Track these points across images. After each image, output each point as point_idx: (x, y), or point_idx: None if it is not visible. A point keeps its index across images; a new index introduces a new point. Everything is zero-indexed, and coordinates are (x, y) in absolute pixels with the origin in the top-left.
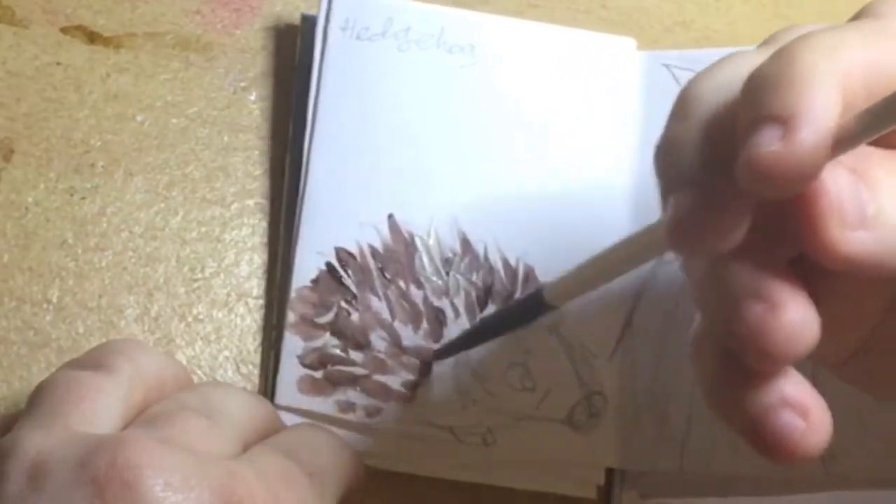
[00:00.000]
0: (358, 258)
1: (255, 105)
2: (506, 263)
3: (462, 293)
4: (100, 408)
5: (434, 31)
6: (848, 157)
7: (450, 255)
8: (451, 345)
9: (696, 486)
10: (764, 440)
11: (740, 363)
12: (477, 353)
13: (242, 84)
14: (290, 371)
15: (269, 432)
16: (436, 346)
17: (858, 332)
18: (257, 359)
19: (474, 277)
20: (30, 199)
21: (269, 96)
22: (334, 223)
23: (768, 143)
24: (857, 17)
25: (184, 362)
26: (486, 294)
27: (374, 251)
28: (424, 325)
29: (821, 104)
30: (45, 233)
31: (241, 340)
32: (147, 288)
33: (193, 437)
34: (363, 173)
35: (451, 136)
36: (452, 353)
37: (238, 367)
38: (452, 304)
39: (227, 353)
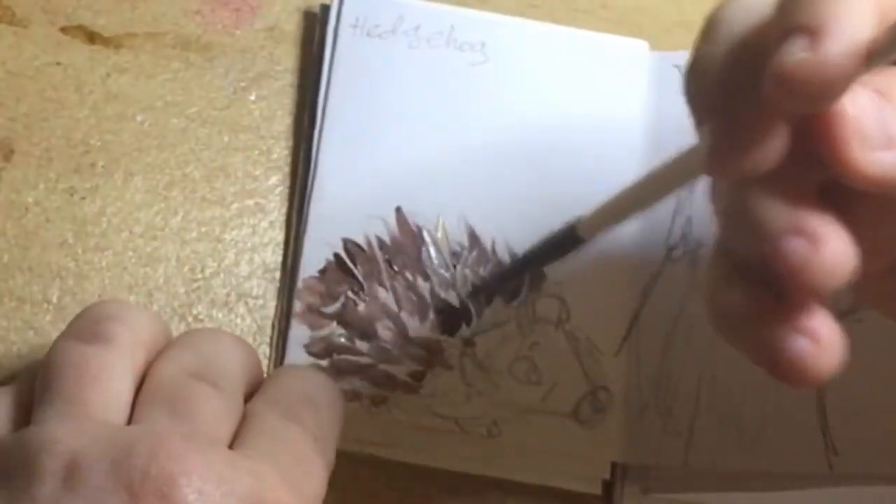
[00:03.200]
0: (366, 249)
1: (255, 105)
2: (513, 257)
3: (469, 286)
4: (113, 387)
5: (444, 29)
6: (874, 78)
7: (457, 248)
8: (486, 281)
9: (700, 482)
10: (777, 366)
11: (757, 289)
12: (483, 345)
13: (242, 84)
14: (297, 359)
15: (257, 374)
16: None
17: (889, 253)
18: None
19: (482, 271)
20: (30, 199)
21: (269, 96)
22: (343, 215)
23: (796, 52)
24: None
25: None
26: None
27: (381, 243)
28: (431, 316)
29: (851, 14)
30: (45, 233)
31: None
32: (147, 288)
33: (212, 421)
34: (372, 166)
35: (459, 131)
36: (488, 288)
37: None
38: (459, 297)
39: None
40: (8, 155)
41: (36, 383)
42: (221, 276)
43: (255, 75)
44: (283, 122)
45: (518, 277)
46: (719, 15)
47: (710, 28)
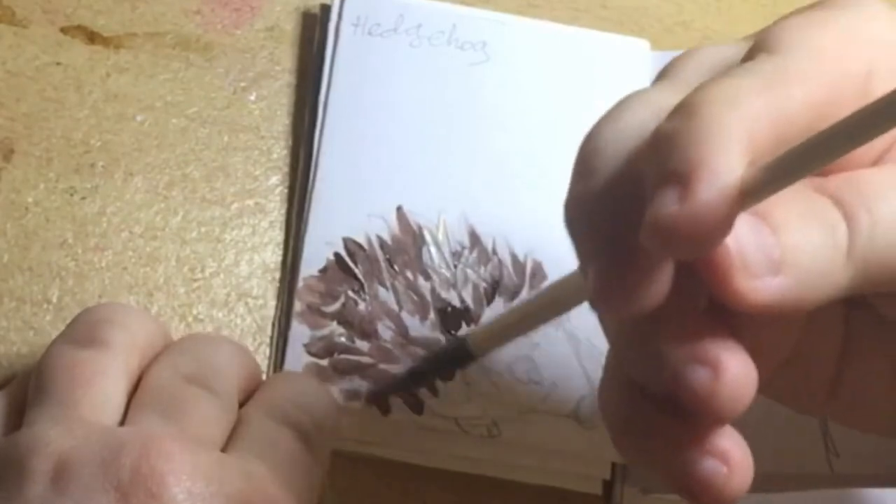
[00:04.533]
0: (366, 249)
1: (255, 105)
2: (514, 258)
3: (470, 286)
4: (106, 390)
5: (445, 28)
6: None
7: (458, 247)
8: (382, 388)
9: None
10: (688, 488)
11: (660, 413)
12: None
13: (242, 84)
14: (297, 359)
15: (254, 380)
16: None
17: (776, 356)
18: (257, 358)
19: (482, 271)
20: (30, 199)
21: (269, 96)
22: (343, 214)
23: (669, 202)
24: (752, 52)
25: None
26: (493, 287)
27: (382, 242)
28: (431, 316)
29: (721, 158)
30: (45, 233)
31: (240, 340)
32: (147, 288)
33: (204, 424)
34: (373, 165)
35: (460, 131)
36: (384, 395)
37: None
38: (460, 297)
39: None
40: (8, 155)
41: (29, 386)
42: (221, 276)
43: (255, 75)
44: (283, 122)
45: (408, 390)
46: (592, 146)
47: (584, 161)
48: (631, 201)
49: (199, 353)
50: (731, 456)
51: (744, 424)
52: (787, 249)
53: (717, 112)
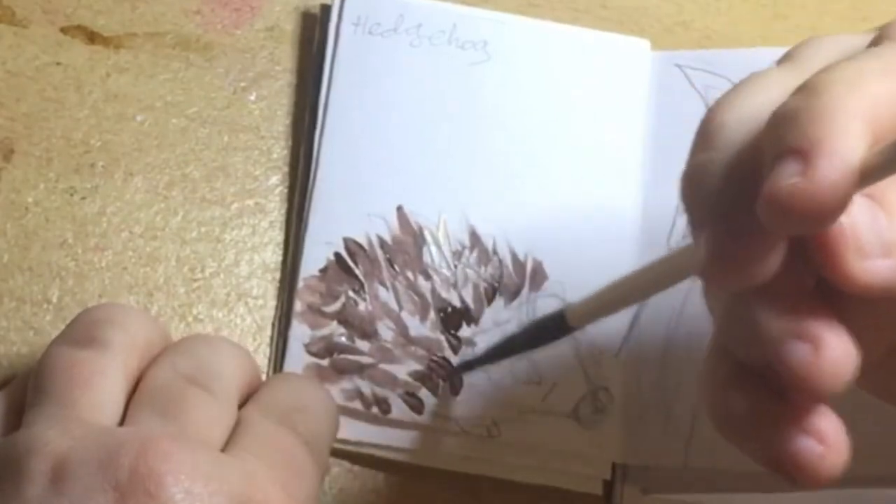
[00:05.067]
0: (366, 249)
1: (255, 105)
2: (514, 257)
3: (470, 285)
4: (105, 390)
5: (446, 28)
6: None
7: (458, 247)
8: (475, 360)
9: (700, 482)
10: (784, 467)
11: (760, 391)
12: (483, 346)
13: (242, 84)
14: (297, 359)
15: (253, 382)
16: (457, 359)
17: (882, 344)
18: (257, 358)
19: (483, 270)
20: (30, 199)
21: (269, 96)
22: (343, 214)
23: (788, 176)
24: (876, 40)
25: None
26: (494, 287)
27: (382, 242)
28: (431, 315)
29: (842, 137)
30: (45, 233)
31: (240, 340)
32: (147, 288)
33: (204, 425)
34: (373, 165)
35: (461, 130)
36: (476, 367)
37: None
38: (460, 296)
39: None
40: (8, 155)
41: (28, 387)
42: (221, 276)
43: (255, 75)
44: (283, 122)
45: (500, 360)
46: (717, 121)
47: (708, 134)
48: (751, 176)
49: (199, 353)
50: (827, 435)
51: None
52: None
53: (839, 92)
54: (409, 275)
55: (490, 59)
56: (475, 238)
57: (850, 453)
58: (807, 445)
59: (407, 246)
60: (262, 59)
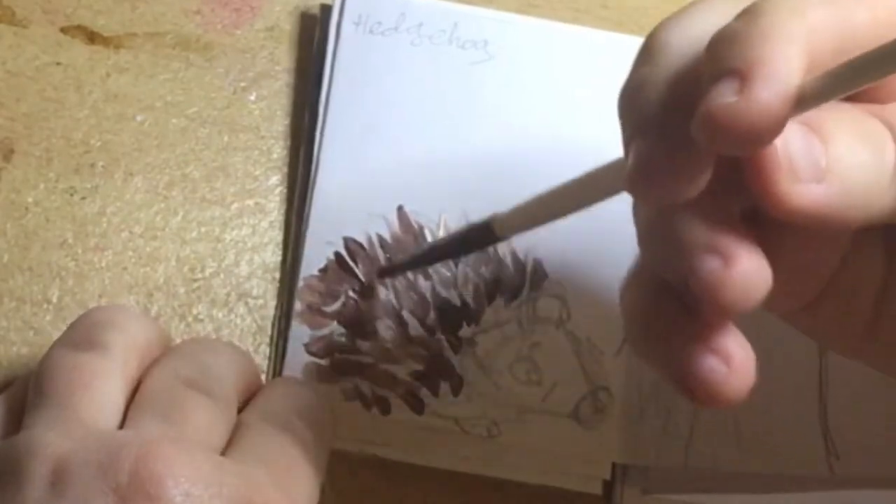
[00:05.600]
0: (367, 248)
1: (255, 105)
2: (514, 257)
3: (470, 285)
4: (104, 393)
5: (447, 27)
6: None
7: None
8: (396, 264)
9: (699, 483)
10: (686, 383)
11: (674, 307)
12: (483, 345)
13: (242, 84)
14: (297, 359)
15: (253, 384)
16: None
17: (813, 282)
18: (257, 359)
19: (483, 270)
20: (30, 199)
21: (269, 96)
22: (344, 213)
23: (724, 95)
24: None
25: None
26: (494, 286)
27: (382, 241)
28: (432, 315)
29: (781, 60)
30: (45, 233)
31: (241, 340)
32: (147, 288)
33: (203, 428)
34: (373, 165)
35: (461, 130)
36: (397, 272)
37: None
38: (460, 296)
39: None
40: (8, 155)
41: (28, 389)
42: (221, 276)
43: (255, 75)
44: (283, 122)
45: (424, 266)
46: (661, 39)
47: (650, 51)
48: (687, 96)
49: (199, 357)
50: (733, 356)
51: (742, 426)
52: (834, 160)
53: (780, 17)
54: (409, 274)
55: (491, 58)
56: None
57: (755, 378)
58: (711, 364)
59: (407, 245)
60: (262, 59)
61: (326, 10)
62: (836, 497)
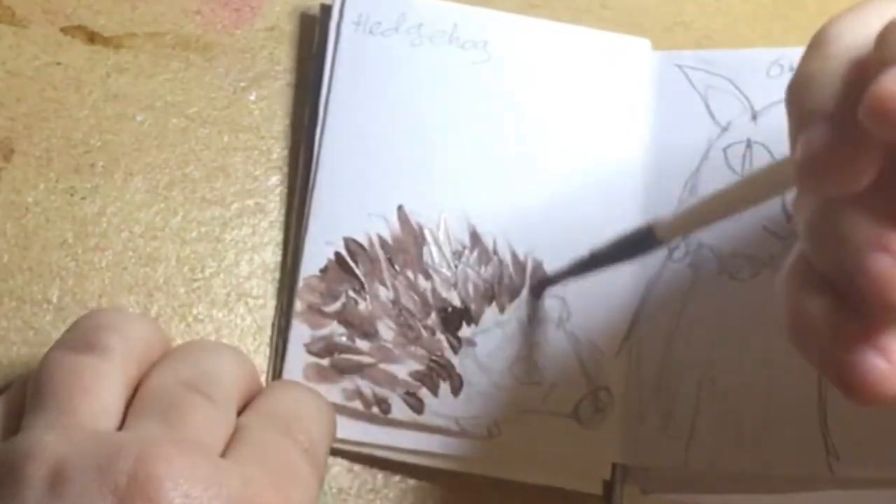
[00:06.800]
0: (367, 248)
1: (255, 105)
2: (514, 257)
3: (470, 285)
4: (104, 396)
5: (447, 27)
6: None
7: (459, 247)
8: (557, 274)
9: (699, 483)
10: (849, 380)
11: (837, 304)
12: (483, 345)
13: (242, 84)
14: (297, 359)
15: (253, 386)
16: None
17: None
18: (257, 359)
19: (483, 270)
20: (30, 199)
21: (269, 96)
22: (344, 214)
23: (892, 81)
24: None
25: None
26: (494, 287)
27: (382, 242)
28: (432, 315)
29: None
30: (45, 233)
31: (241, 340)
32: (147, 288)
33: (203, 431)
34: (373, 165)
35: (462, 130)
36: (560, 280)
37: None
38: (461, 296)
39: None
40: (8, 155)
41: (27, 392)
42: (221, 276)
43: (255, 75)
44: (283, 122)
45: (584, 275)
46: (832, 32)
47: (821, 45)
48: (857, 88)
49: (199, 359)
50: (894, 354)
51: (743, 426)
52: None
53: None
54: (410, 274)
55: (491, 58)
56: (475, 238)
57: None
58: (873, 361)
59: (407, 245)
60: (262, 59)
61: (326, 10)
62: (836, 497)
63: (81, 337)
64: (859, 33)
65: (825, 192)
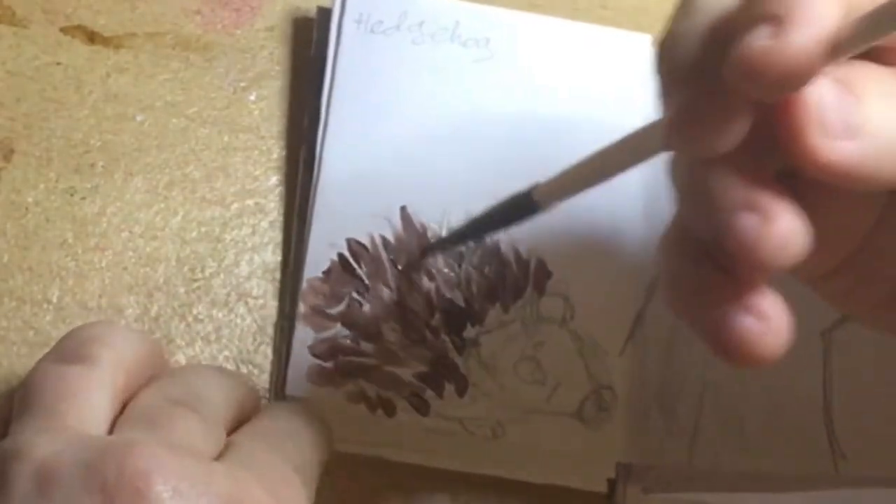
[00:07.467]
0: (370, 249)
1: (255, 105)
2: (518, 256)
3: (474, 286)
4: (91, 403)
5: (448, 25)
6: (837, 69)
7: (462, 247)
8: (440, 241)
9: (703, 482)
10: (722, 342)
11: (709, 266)
12: (488, 346)
13: (242, 84)
14: (301, 361)
15: (247, 410)
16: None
17: (845, 244)
18: (257, 359)
19: (486, 270)
20: (30, 199)
21: (269, 96)
22: (347, 215)
23: (759, 38)
24: None
25: (183, 363)
26: (497, 286)
27: (386, 243)
28: (436, 316)
29: (817, 4)
30: (45, 233)
31: (241, 340)
32: (147, 288)
33: (190, 438)
34: (376, 165)
35: (464, 129)
36: (442, 247)
37: (238, 367)
38: (464, 297)
39: (227, 352)
40: (8, 155)
41: (15, 400)
42: (221, 276)
43: (255, 75)
44: (283, 122)
45: (467, 241)
46: None
47: (687, 3)
48: (723, 46)
49: (189, 381)
50: (769, 315)
51: (747, 425)
52: (866, 118)
53: None
54: (413, 275)
55: (493, 56)
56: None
57: (790, 337)
58: (747, 323)
59: (411, 246)
60: (262, 59)
61: (323, 11)
62: (842, 496)
63: (70, 349)
64: None
65: (694, 154)
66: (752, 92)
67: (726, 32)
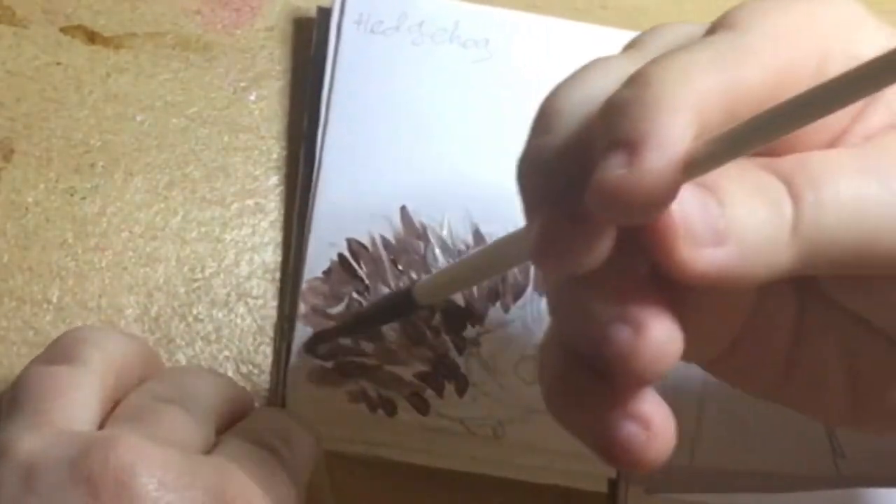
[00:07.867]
0: (370, 249)
1: (255, 105)
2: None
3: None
4: (78, 402)
5: (448, 26)
6: None
7: (462, 247)
8: (326, 331)
9: (705, 482)
10: (607, 450)
11: (589, 373)
12: (488, 345)
13: (242, 84)
14: (301, 362)
15: (238, 412)
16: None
17: (724, 333)
18: (257, 358)
19: None
20: (30, 199)
21: (269, 96)
22: (347, 214)
23: (615, 167)
24: (713, 27)
25: (183, 363)
26: (497, 287)
27: (386, 242)
28: (436, 316)
29: (668, 129)
30: (45, 233)
31: (241, 340)
32: (147, 288)
33: (177, 432)
34: (376, 165)
35: (464, 129)
36: (328, 339)
37: (238, 367)
38: (464, 297)
39: (227, 353)
40: (8, 155)
41: (3, 401)
42: (221, 276)
43: (255, 75)
44: (283, 122)
45: (351, 335)
46: (555, 106)
47: (545, 118)
48: (582, 164)
49: (178, 379)
50: (652, 421)
51: (748, 425)
52: (732, 221)
53: (668, 83)
54: (414, 275)
55: (492, 56)
56: (479, 238)
57: (676, 440)
58: (631, 430)
59: (411, 246)
60: (262, 59)
61: (323, 12)
62: (842, 496)
63: (59, 351)
64: (580, 106)
65: (560, 274)
66: (615, 220)
67: (584, 152)
